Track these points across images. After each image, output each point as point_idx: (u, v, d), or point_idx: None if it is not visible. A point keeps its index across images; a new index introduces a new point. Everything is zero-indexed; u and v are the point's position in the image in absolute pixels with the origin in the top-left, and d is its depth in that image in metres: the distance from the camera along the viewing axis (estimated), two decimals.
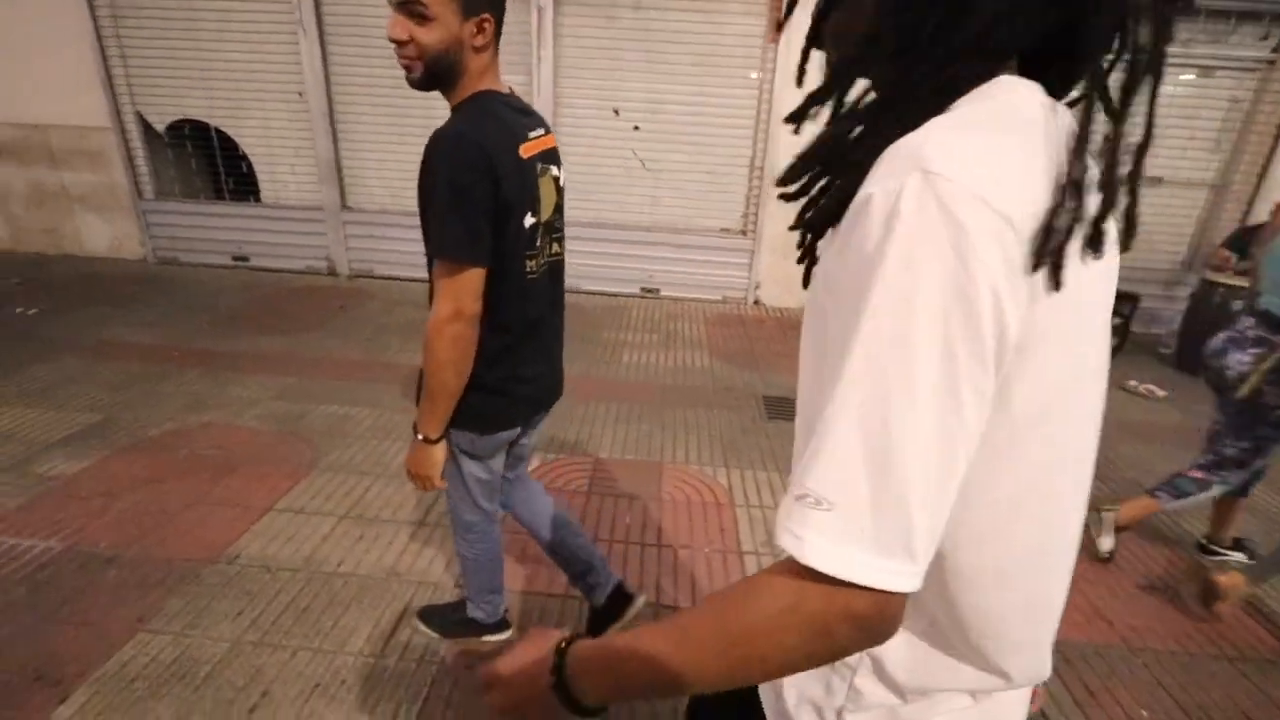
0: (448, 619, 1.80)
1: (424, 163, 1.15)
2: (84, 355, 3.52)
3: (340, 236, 5.17)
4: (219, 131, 5.10)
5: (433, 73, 1.15)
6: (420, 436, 1.27)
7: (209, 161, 5.40)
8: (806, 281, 0.56)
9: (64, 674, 1.64)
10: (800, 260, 0.59)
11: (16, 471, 2.46)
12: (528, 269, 1.28)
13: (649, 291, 5.06)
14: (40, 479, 2.42)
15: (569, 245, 4.95)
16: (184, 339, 3.82)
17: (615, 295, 5.04)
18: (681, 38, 4.55)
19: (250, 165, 5.17)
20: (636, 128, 4.74)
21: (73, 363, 3.42)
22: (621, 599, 1.78)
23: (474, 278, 1.16)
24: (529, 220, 1.25)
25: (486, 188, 1.14)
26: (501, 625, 1.78)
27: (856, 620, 0.43)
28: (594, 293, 5.06)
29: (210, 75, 4.93)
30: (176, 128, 5.18)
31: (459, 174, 1.11)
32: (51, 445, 2.65)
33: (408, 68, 1.15)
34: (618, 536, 2.25)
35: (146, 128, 5.14)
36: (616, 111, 4.72)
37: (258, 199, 5.27)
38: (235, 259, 5.33)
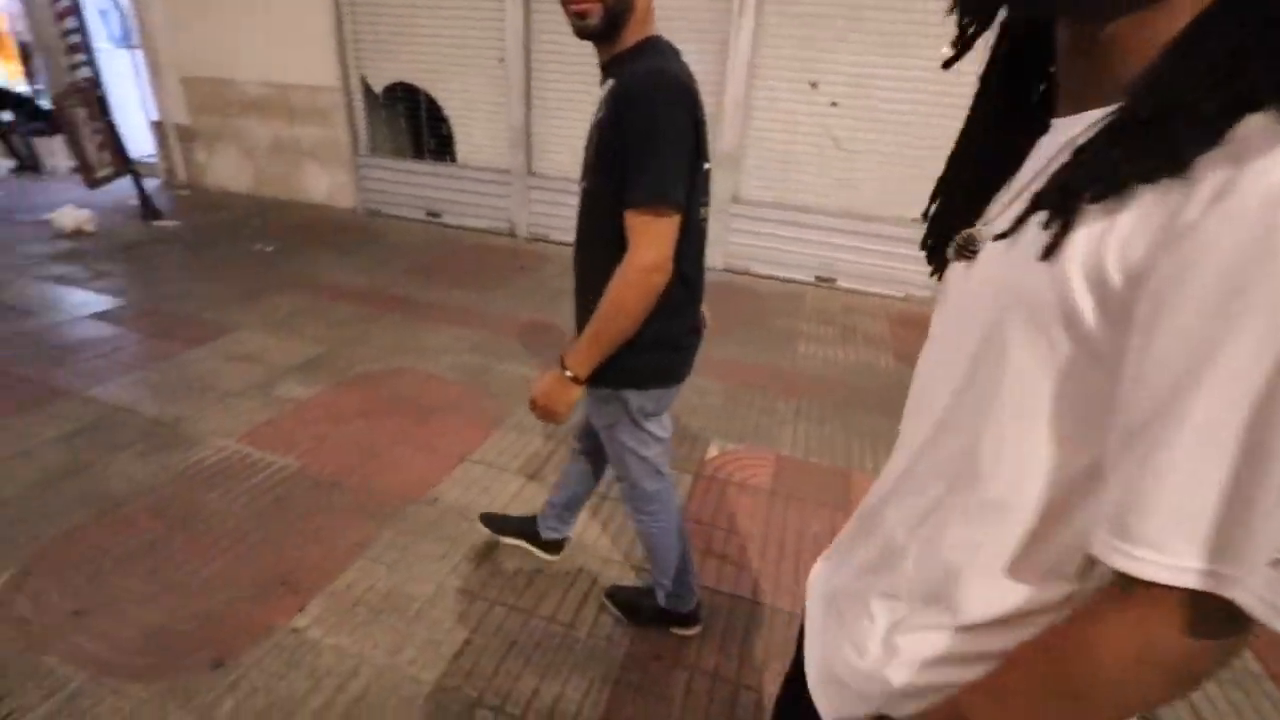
0: (637, 604, 1.76)
1: (624, 104, 1.10)
2: (310, 292, 3.95)
3: (523, 200, 5.38)
4: (426, 95, 5.48)
5: (613, 16, 1.10)
6: (569, 373, 1.22)
7: (414, 123, 5.84)
8: (1050, 253, 0.42)
9: (302, 584, 1.81)
10: (1060, 229, 0.42)
11: (262, 391, 2.80)
12: (702, 216, 1.26)
13: (824, 280, 4.75)
14: (280, 401, 2.73)
15: (745, 224, 4.83)
16: (387, 285, 4.17)
17: (787, 281, 4.79)
18: (897, 2, 4.12)
19: (450, 127, 5.51)
20: (835, 103, 4.40)
21: (301, 298, 3.85)
22: (560, 545, 1.94)
23: (676, 225, 1.13)
24: (705, 166, 1.22)
25: (691, 131, 1.11)
26: (692, 619, 1.71)
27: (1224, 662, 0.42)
28: (764, 276, 4.85)
29: (424, 41, 5.28)
30: (391, 90, 5.63)
31: (671, 115, 1.08)
32: (288, 370, 2.98)
33: (584, 14, 1.10)
34: (805, 546, 2.09)
35: (366, 89, 5.65)
36: (814, 85, 4.41)
37: (453, 160, 5.62)
38: (429, 214, 5.75)
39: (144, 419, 2.55)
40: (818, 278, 4.76)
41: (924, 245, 0.64)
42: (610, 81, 1.16)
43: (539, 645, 1.67)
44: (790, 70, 4.45)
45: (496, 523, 1.97)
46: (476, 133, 5.43)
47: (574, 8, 1.10)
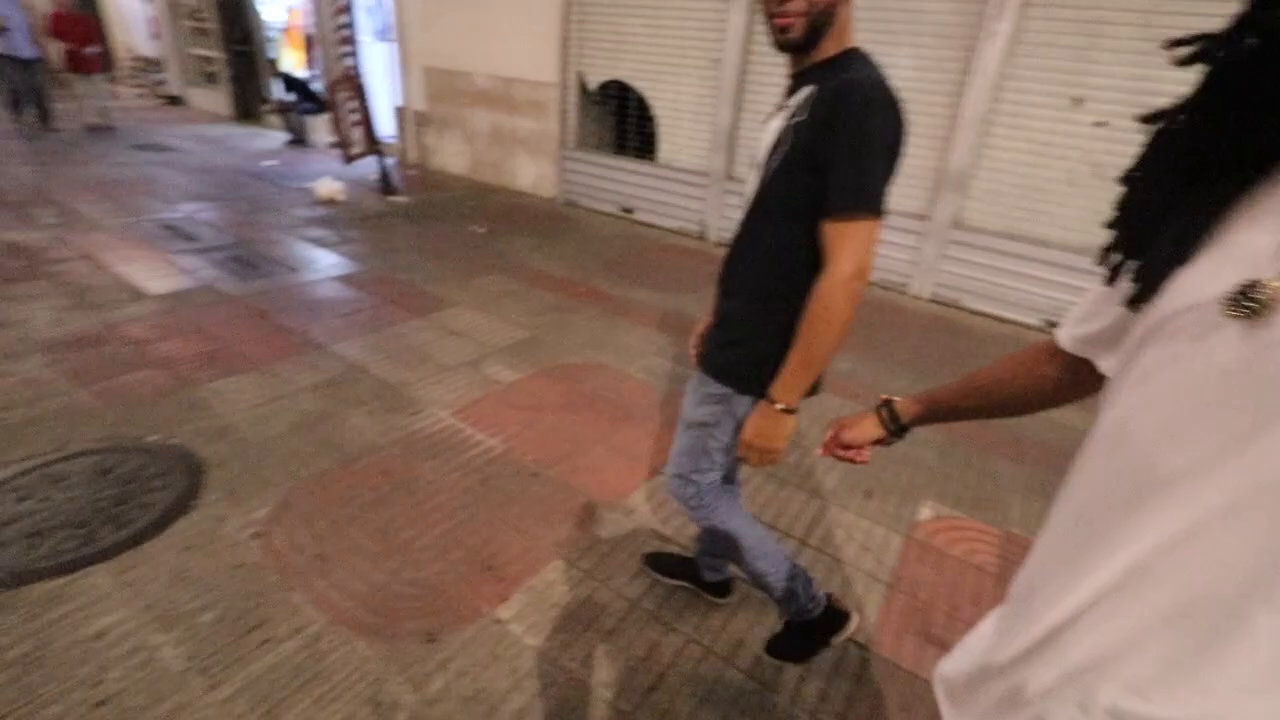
0: (792, 643, 1.62)
1: (836, 109, 1.08)
2: (516, 275, 4.18)
3: (718, 204, 5.30)
4: (638, 94, 5.58)
5: (815, 29, 1.11)
6: (779, 405, 1.19)
7: (621, 120, 5.99)
8: None
9: (506, 573, 1.84)
10: None
11: (472, 369, 2.97)
12: None
13: (1054, 326, 4.12)
14: (488, 381, 2.88)
15: (964, 253, 4.33)
16: (583, 276, 4.29)
17: (1008, 321, 4.23)
18: (1197, 7, 3.41)
19: (656, 127, 5.57)
20: (1102, 123, 3.77)
21: (508, 281, 4.08)
22: (726, 586, 1.81)
23: (878, 232, 1.11)
24: None
25: (899, 144, 1.10)
26: (836, 619, 1.57)
27: None
28: (980, 313, 4.32)
29: (643, 43, 5.37)
30: (605, 88, 5.82)
31: (888, 125, 1.08)
32: (496, 351, 3.14)
33: (787, 27, 1.11)
34: None
35: (581, 86, 5.89)
36: (1078, 101, 3.81)
37: (654, 159, 5.68)
38: (622, 209, 5.88)
39: (374, 380, 2.81)
40: (1046, 322, 4.14)
41: (1120, 271, 0.55)
42: (810, 88, 1.13)
43: (735, 702, 1.55)
44: (1048, 84, 3.88)
45: (660, 563, 1.88)
46: (680, 134, 5.44)
47: (779, 21, 1.11)
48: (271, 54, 9.24)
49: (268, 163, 6.97)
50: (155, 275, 3.75)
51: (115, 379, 2.65)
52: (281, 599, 1.71)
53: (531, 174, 6.46)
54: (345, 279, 3.96)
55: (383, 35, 7.74)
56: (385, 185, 5.93)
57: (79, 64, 7.38)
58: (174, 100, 10.62)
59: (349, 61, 6.07)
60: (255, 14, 9.12)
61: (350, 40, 6.07)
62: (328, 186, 5.64)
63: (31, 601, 1.66)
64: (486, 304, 3.68)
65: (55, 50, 7.17)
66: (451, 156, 7.11)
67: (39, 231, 4.29)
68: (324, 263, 4.23)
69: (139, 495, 2.05)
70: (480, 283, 4.00)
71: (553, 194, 6.31)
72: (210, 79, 10.03)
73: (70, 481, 2.10)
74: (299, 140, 7.92)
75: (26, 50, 6.88)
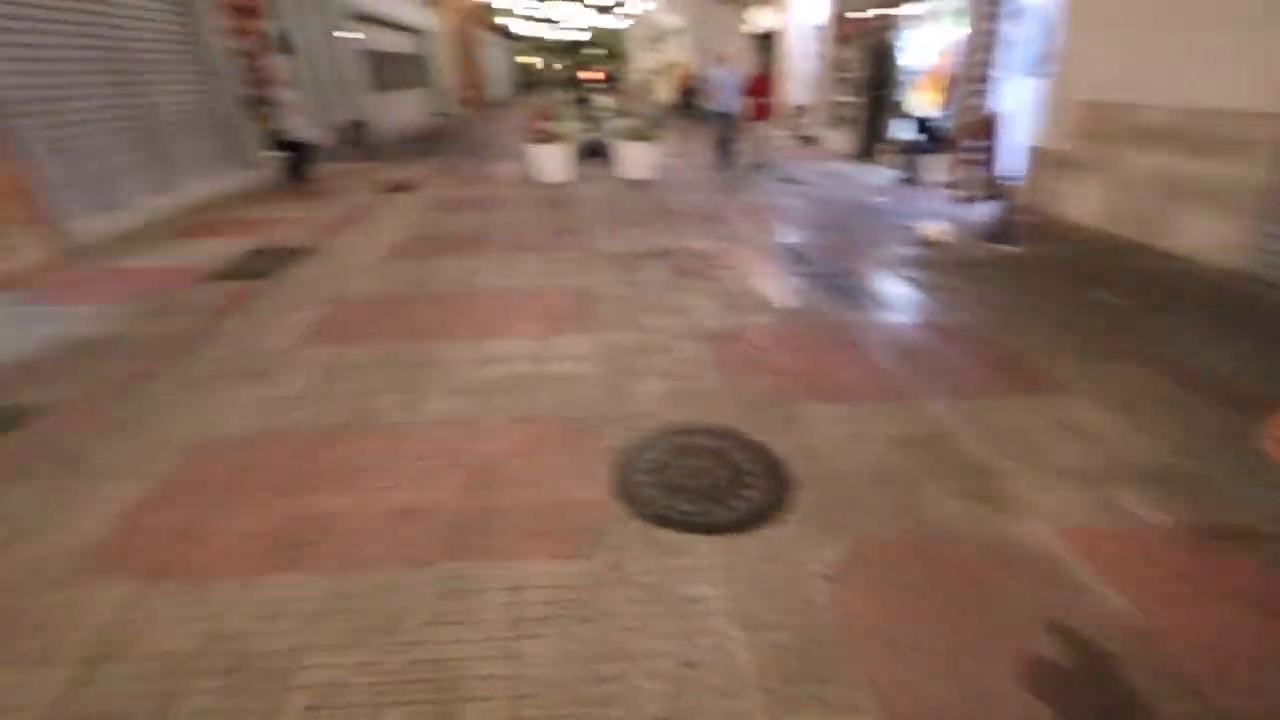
0: None
1: None
2: (1166, 372, 3.12)
3: None
4: None
5: None
6: None
7: None
8: None
9: None
10: None
11: (1094, 486, 2.29)
12: None
13: None
14: (1115, 510, 2.17)
15: None
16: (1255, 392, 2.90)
17: None
18: None
19: None
20: None
21: (1153, 376, 3.09)
22: None
23: None
24: None
25: None
26: None
27: None
28: None
29: None
30: None
31: None
32: (1130, 473, 2.36)
33: None
34: None
35: None
36: None
37: None
38: None
39: (962, 454, 2.50)
40: None
41: None
42: None
43: None
44: None
45: None
46: None
47: None
48: (898, 97, 9.78)
49: (878, 199, 7.43)
50: (778, 290, 4.38)
51: (740, 376, 3.16)
52: (840, 665, 1.62)
53: (1202, 233, 4.85)
54: (935, 327, 3.77)
55: (1034, 70, 7.12)
56: (996, 232, 5.47)
57: (758, 114, 9.44)
58: (807, 140, 12.60)
59: (978, 100, 5.80)
60: (895, 62, 9.78)
61: (983, 78, 5.77)
62: (934, 227, 5.57)
63: (661, 543, 2.06)
64: (1119, 402, 2.86)
65: (744, 104, 9.31)
66: (1079, 204, 6.03)
67: (711, 242, 5.64)
68: (916, 304, 4.15)
69: (739, 487, 2.34)
70: (1109, 371, 3.16)
71: (1233, 264, 4.59)
72: (841, 121, 11.42)
73: (698, 453, 2.56)
74: (910, 179, 8.17)
75: (734, 106, 9.20)
